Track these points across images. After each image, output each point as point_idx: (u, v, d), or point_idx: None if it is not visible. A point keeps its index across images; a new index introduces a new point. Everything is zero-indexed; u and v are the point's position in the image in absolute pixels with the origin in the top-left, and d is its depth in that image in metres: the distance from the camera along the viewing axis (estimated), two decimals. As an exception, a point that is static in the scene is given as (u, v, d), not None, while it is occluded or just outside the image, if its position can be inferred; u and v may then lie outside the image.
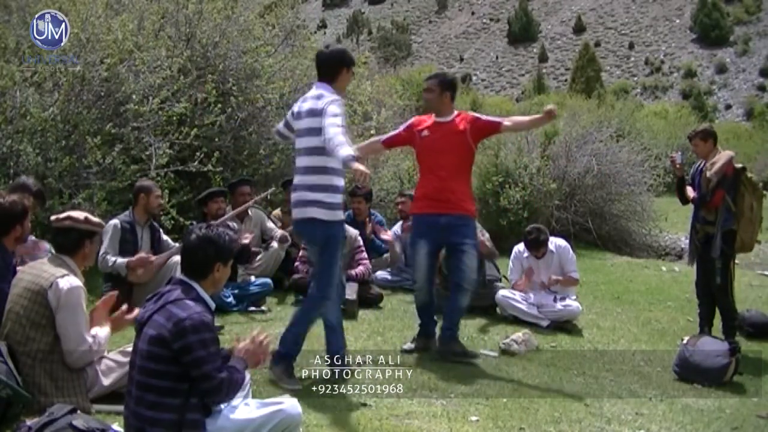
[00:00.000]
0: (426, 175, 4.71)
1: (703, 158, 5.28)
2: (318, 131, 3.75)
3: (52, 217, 3.38)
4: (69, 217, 3.31)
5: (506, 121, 4.73)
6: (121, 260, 5.08)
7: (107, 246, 5.13)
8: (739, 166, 5.15)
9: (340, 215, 3.95)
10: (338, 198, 3.91)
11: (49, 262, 3.31)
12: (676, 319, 6.16)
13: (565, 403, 3.84)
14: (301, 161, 3.93)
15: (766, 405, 4.15)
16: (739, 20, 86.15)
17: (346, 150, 3.55)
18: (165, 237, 5.50)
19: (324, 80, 3.99)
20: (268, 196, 6.30)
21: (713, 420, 3.82)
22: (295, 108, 4.06)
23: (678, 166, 5.34)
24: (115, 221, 5.20)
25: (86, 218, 3.34)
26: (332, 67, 3.99)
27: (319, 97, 3.88)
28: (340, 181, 3.92)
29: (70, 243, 3.31)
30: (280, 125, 4.29)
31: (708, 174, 5.04)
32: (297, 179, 3.96)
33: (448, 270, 5.04)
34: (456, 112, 4.69)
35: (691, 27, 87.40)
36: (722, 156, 5.09)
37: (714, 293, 5.24)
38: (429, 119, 4.72)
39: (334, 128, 3.66)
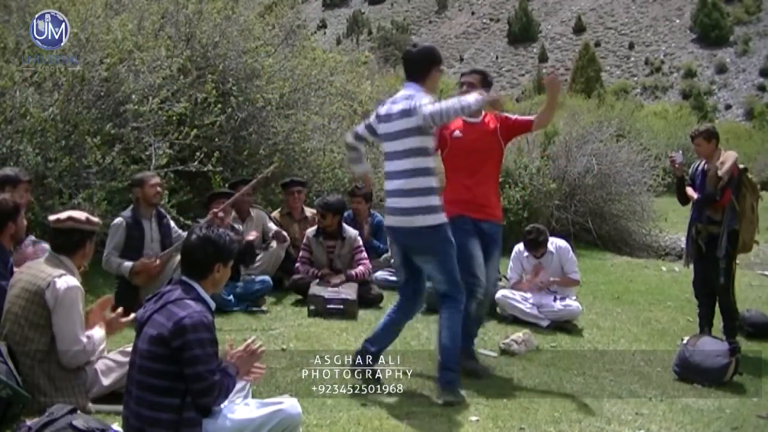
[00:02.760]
0: (458, 178, 4.39)
1: (705, 158, 5.27)
2: (414, 131, 3.68)
3: (51, 218, 3.37)
4: (71, 218, 3.30)
5: (534, 119, 4.45)
6: (126, 264, 5.10)
7: (111, 246, 5.15)
8: (742, 166, 5.16)
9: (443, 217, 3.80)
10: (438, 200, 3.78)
11: (47, 262, 3.31)
12: (676, 319, 6.16)
13: (565, 403, 3.84)
14: (395, 165, 3.77)
15: (766, 405, 4.15)
16: (739, 20, 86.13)
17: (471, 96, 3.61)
18: (174, 226, 5.49)
19: (413, 80, 3.85)
20: (269, 174, 6.28)
21: (713, 420, 3.82)
22: (382, 110, 3.90)
23: (677, 166, 5.34)
24: (119, 219, 5.21)
25: (87, 218, 3.34)
26: (423, 67, 3.85)
27: (409, 97, 3.76)
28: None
29: (73, 244, 3.31)
30: (360, 129, 4.12)
31: (719, 173, 5.02)
32: (392, 184, 3.79)
33: None
34: (483, 113, 4.39)
35: (691, 27, 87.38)
36: (729, 156, 5.09)
37: (716, 293, 5.23)
38: (457, 120, 4.32)
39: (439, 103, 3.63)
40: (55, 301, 3.15)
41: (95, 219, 3.40)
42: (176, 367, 2.55)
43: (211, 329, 2.61)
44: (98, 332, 3.39)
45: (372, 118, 4.00)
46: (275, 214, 6.82)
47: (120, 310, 3.53)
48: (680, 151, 5.62)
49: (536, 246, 5.74)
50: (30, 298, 3.17)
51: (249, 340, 2.86)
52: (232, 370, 2.71)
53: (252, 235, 5.73)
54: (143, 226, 5.25)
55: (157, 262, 5.16)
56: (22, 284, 3.23)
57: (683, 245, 8.58)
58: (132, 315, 3.48)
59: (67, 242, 3.31)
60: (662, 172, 11.77)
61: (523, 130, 4.50)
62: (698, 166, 5.36)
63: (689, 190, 5.33)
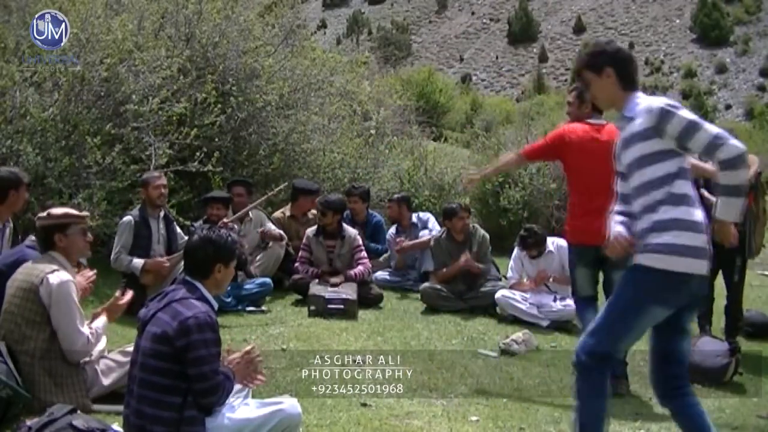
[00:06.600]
0: None
1: None
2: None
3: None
4: (47, 215, 3.37)
5: None
6: (137, 261, 5.15)
7: (120, 243, 5.19)
8: (759, 170, 5.17)
9: None
10: None
11: (41, 260, 3.35)
12: (676, 319, 6.15)
13: (565, 403, 3.84)
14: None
15: (766, 405, 4.15)
16: (739, 20, 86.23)
17: None
18: (179, 231, 5.56)
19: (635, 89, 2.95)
20: (282, 192, 6.28)
21: (713, 420, 3.81)
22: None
23: None
24: (128, 218, 5.28)
25: (49, 213, 3.38)
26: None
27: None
28: None
29: (41, 240, 3.38)
30: None
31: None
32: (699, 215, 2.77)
33: None
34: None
35: (691, 27, 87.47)
36: (753, 159, 5.10)
37: (727, 289, 5.24)
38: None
39: None
40: (50, 297, 3.17)
41: (58, 211, 3.39)
42: (179, 366, 2.55)
43: (215, 329, 2.62)
44: (101, 321, 3.44)
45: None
46: (277, 214, 6.80)
47: (118, 293, 3.58)
48: None
49: (529, 246, 5.77)
50: (25, 296, 3.19)
51: (248, 347, 2.86)
52: (230, 374, 2.71)
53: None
54: (151, 226, 5.31)
55: (167, 264, 5.19)
56: (17, 283, 3.26)
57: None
58: (130, 293, 3.56)
59: (38, 238, 3.41)
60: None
61: None
62: None
63: (704, 192, 5.30)
